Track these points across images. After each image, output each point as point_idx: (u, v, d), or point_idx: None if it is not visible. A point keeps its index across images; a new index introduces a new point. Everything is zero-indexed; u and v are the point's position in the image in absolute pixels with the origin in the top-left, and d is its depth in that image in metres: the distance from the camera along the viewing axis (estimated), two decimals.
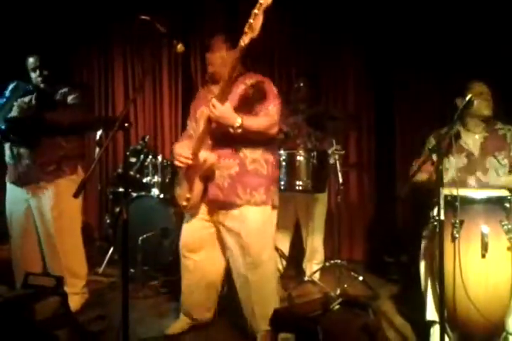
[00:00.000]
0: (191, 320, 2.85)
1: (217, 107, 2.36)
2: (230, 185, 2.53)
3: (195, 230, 2.72)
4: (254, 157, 2.56)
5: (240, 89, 2.55)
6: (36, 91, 3.03)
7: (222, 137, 2.49)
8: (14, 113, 2.96)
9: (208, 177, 2.54)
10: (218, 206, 2.60)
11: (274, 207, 2.65)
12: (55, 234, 3.04)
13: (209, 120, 2.46)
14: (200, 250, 2.73)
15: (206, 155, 2.48)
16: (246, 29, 2.24)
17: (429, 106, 4.40)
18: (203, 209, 2.67)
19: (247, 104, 2.52)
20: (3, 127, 2.93)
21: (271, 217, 2.64)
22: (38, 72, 3.05)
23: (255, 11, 2.20)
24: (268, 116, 2.52)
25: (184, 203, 2.63)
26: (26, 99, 3.02)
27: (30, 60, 3.06)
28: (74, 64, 5.30)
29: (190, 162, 2.55)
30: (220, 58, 2.61)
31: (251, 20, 2.21)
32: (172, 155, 2.74)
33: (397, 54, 4.49)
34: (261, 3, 2.19)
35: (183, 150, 2.59)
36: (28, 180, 3.04)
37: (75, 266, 3.14)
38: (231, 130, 2.40)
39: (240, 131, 2.39)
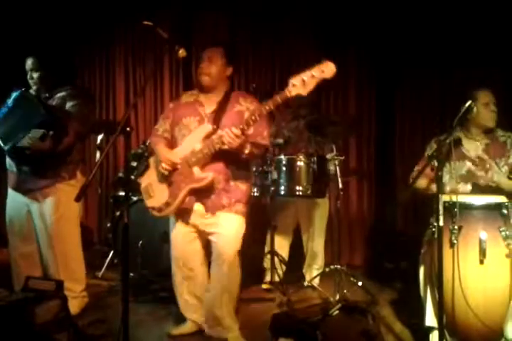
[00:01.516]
0: (197, 325, 2.87)
1: (240, 137, 2.45)
2: (216, 196, 2.67)
3: (183, 236, 2.79)
4: (237, 174, 2.70)
5: (236, 108, 2.67)
6: (51, 124, 2.86)
7: (219, 156, 2.60)
8: (25, 143, 2.82)
9: (198, 190, 2.63)
10: (202, 213, 2.70)
11: (245, 220, 2.77)
12: (54, 238, 3.04)
13: (214, 141, 2.53)
14: (193, 263, 2.82)
15: (205, 174, 2.59)
16: (296, 82, 2.33)
17: (429, 112, 4.42)
18: (188, 219, 2.74)
19: (243, 124, 2.58)
20: (5, 149, 2.89)
21: (243, 228, 2.76)
22: (29, 74, 3.05)
23: (313, 72, 2.31)
24: (265, 143, 2.71)
25: (162, 206, 2.70)
26: (39, 134, 2.81)
27: (27, 61, 3.06)
28: (75, 68, 5.31)
29: (177, 167, 2.64)
30: (217, 71, 2.69)
31: (305, 78, 2.31)
32: (148, 149, 2.80)
33: (398, 60, 4.52)
34: (322, 71, 2.30)
35: (170, 155, 2.67)
36: (27, 186, 3.04)
37: (73, 270, 3.14)
38: (238, 155, 2.58)
39: (245, 156, 2.61)
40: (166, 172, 2.68)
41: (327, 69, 2.31)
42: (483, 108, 2.75)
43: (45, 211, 3.04)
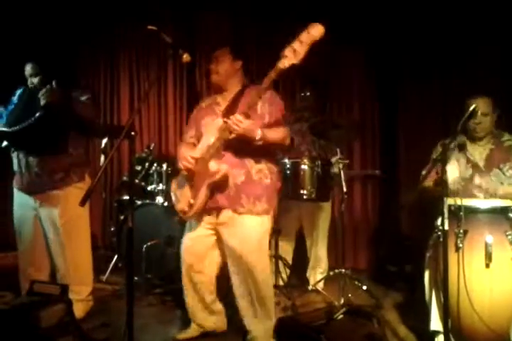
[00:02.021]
0: (202, 328, 2.86)
1: (244, 122, 2.43)
2: (234, 193, 2.59)
3: (199, 237, 2.73)
4: (260, 167, 2.64)
5: (248, 100, 2.59)
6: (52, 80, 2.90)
7: (231, 147, 2.55)
8: (43, 101, 2.80)
9: (217, 186, 2.57)
10: (221, 214, 2.64)
11: (272, 214, 2.73)
12: (63, 240, 3.06)
13: (224, 132, 2.51)
14: (204, 256, 2.76)
15: (217, 166, 2.52)
16: (287, 53, 2.31)
17: (433, 115, 4.41)
18: (206, 216, 2.69)
19: (257, 115, 2.60)
20: (39, 114, 2.83)
21: (269, 226, 2.71)
22: (29, 80, 3.06)
23: (301, 38, 2.28)
24: (283, 128, 2.63)
25: (186, 209, 2.65)
26: (48, 86, 2.83)
27: (26, 67, 3.08)
28: (79, 72, 5.34)
29: (193, 165, 2.60)
30: (225, 69, 2.69)
31: (295, 46, 2.29)
32: (178, 158, 2.77)
33: (402, 64, 4.51)
34: (309, 33, 2.27)
35: (188, 153, 2.65)
36: (36, 188, 3.05)
37: (82, 272, 3.15)
38: (252, 142, 2.48)
39: (260, 143, 2.48)
40: (185, 172, 2.66)
41: (314, 31, 2.28)
42: (483, 118, 2.76)
43: (54, 214, 3.05)
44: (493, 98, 2.83)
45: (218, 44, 2.77)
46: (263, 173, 2.64)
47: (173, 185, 2.79)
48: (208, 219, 2.70)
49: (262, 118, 2.62)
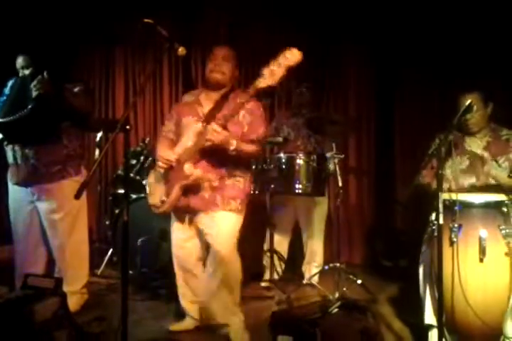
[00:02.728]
0: (196, 321, 2.90)
1: (221, 133, 2.49)
2: (209, 196, 2.67)
3: (181, 230, 2.82)
4: (233, 173, 2.72)
5: (231, 107, 2.63)
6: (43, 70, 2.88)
7: (208, 152, 2.61)
8: (35, 92, 2.78)
9: (190, 188, 2.65)
10: (197, 211, 2.73)
11: (242, 216, 2.79)
12: (60, 234, 3.06)
13: (202, 138, 2.55)
14: (190, 263, 2.85)
15: (193, 170, 2.59)
16: (265, 72, 2.38)
17: (429, 110, 4.43)
18: (186, 218, 2.79)
19: (236, 123, 2.66)
20: (31, 106, 2.81)
21: (239, 225, 2.78)
22: (20, 72, 3.05)
23: (281, 61, 2.35)
24: (258, 143, 2.72)
25: (158, 204, 2.73)
26: (39, 77, 2.80)
27: (18, 59, 3.06)
28: (75, 66, 5.30)
29: (172, 164, 2.66)
30: (231, 70, 2.73)
31: (273, 68, 2.36)
32: (156, 157, 2.82)
33: (399, 59, 4.52)
34: (287, 58, 2.34)
35: (165, 153, 2.71)
36: (33, 181, 3.03)
37: (78, 265, 3.17)
38: (225, 151, 2.55)
39: (233, 153, 2.56)
40: (162, 170, 2.73)
41: (291, 56, 2.34)
42: (474, 115, 2.77)
43: (52, 208, 3.05)
44: (483, 93, 2.83)
45: (215, 38, 2.78)
46: (236, 178, 2.73)
47: (150, 178, 2.86)
48: (182, 215, 2.79)
49: (241, 127, 2.67)
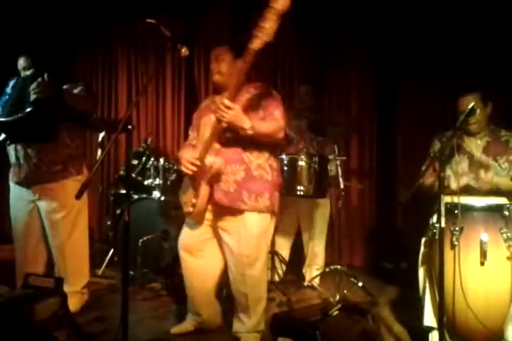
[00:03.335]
0: (200, 319, 2.85)
1: (232, 108, 2.38)
2: (235, 190, 2.54)
3: (195, 234, 2.72)
4: (260, 163, 2.60)
5: (244, 97, 2.58)
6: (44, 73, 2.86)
7: (229, 142, 2.52)
8: (33, 96, 2.76)
9: (216, 180, 2.55)
10: (222, 211, 2.61)
11: (274, 213, 2.69)
12: (61, 234, 3.06)
13: (216, 125, 2.48)
14: (199, 253, 2.74)
15: (213, 160, 2.50)
16: (256, 32, 2.24)
17: (431, 112, 4.42)
18: (207, 215, 2.68)
19: (253, 111, 2.57)
20: (28, 110, 2.80)
21: (271, 224, 2.69)
22: (22, 73, 3.05)
23: (266, 14, 2.21)
24: (275, 121, 2.56)
25: (190, 209, 2.62)
26: (39, 79, 2.79)
27: (19, 61, 3.07)
28: (77, 66, 5.31)
29: (195, 168, 2.56)
30: (227, 68, 2.64)
31: (262, 24, 2.22)
32: (178, 162, 2.75)
33: (400, 61, 4.51)
34: (272, 7, 2.20)
35: (189, 156, 2.59)
36: (34, 180, 3.03)
37: (78, 265, 3.16)
38: (242, 132, 2.43)
39: (250, 132, 2.42)
40: (190, 173, 2.60)
41: (277, 4, 2.18)
42: (459, 116, 2.78)
43: (53, 207, 3.04)
44: (482, 93, 2.84)
45: (217, 39, 2.78)
46: (263, 169, 2.60)
47: (180, 192, 2.76)
48: (208, 217, 2.68)
49: (257, 113, 2.58)
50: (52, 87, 2.76)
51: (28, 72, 3.04)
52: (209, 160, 2.51)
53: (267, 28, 2.21)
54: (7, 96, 2.99)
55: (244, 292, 2.64)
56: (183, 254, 2.77)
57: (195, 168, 2.55)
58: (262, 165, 2.60)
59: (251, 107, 2.56)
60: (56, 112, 2.90)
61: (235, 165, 2.55)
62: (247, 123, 2.41)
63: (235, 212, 2.57)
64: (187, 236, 2.76)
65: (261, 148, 2.59)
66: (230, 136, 2.50)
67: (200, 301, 2.83)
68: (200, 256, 2.74)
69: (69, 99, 2.88)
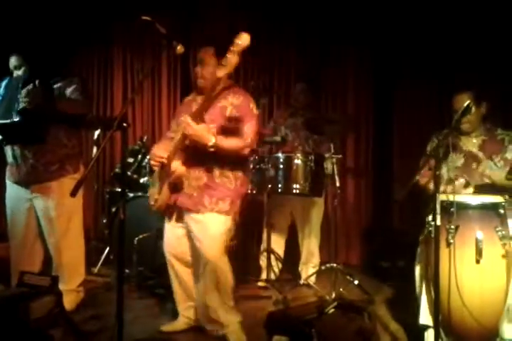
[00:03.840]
0: (190, 321, 2.87)
1: (192, 126, 2.45)
2: (198, 194, 2.64)
3: (173, 234, 2.80)
4: (223, 172, 2.66)
5: (221, 103, 2.63)
6: (38, 80, 2.86)
7: (195, 150, 2.57)
8: (22, 104, 2.80)
9: (175, 185, 2.64)
10: (186, 211, 2.70)
11: (234, 220, 2.74)
12: (57, 232, 3.06)
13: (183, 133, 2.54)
14: (184, 255, 2.81)
15: (176, 166, 2.57)
16: (223, 62, 2.37)
17: (427, 110, 4.43)
18: (175, 215, 2.77)
19: (224, 120, 2.63)
20: (16, 120, 2.83)
21: (230, 227, 2.73)
22: (14, 72, 3.04)
23: (233, 48, 2.34)
24: (243, 139, 2.62)
25: (152, 203, 2.79)
26: (30, 87, 2.82)
27: (10, 59, 3.05)
28: (73, 63, 5.29)
29: (164, 161, 2.65)
30: (210, 73, 2.65)
31: (229, 56, 2.35)
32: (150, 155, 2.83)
33: (397, 59, 4.52)
34: (237, 43, 2.32)
35: (158, 151, 2.70)
36: (32, 180, 3.03)
37: (74, 263, 3.16)
38: (205, 148, 2.49)
39: (212, 149, 2.50)
40: (155, 168, 2.74)
41: (242, 40, 2.34)
42: (454, 114, 2.78)
43: (49, 205, 3.04)
44: (476, 92, 2.83)
45: (213, 36, 2.79)
46: (227, 178, 2.67)
47: (151, 179, 2.92)
48: (173, 213, 2.78)
49: (229, 122, 2.62)
50: (42, 97, 2.78)
51: (20, 72, 3.03)
52: (174, 165, 2.58)
53: (231, 61, 2.36)
54: (0, 97, 2.97)
55: (214, 289, 2.68)
56: (169, 258, 2.83)
57: (163, 161, 2.65)
58: (225, 174, 2.67)
59: (222, 116, 2.61)
60: (47, 118, 2.91)
61: (199, 172, 2.63)
62: (210, 141, 2.47)
63: (196, 212, 2.65)
64: (168, 241, 2.84)
65: (226, 158, 2.63)
66: (192, 143, 2.55)
67: (189, 301, 2.85)
68: (186, 257, 2.80)
69: (61, 105, 2.88)
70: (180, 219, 2.76)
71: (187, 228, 2.74)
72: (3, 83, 3.04)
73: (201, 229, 2.64)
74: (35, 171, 3.00)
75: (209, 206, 2.63)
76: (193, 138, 2.49)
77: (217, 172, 2.65)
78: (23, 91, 2.77)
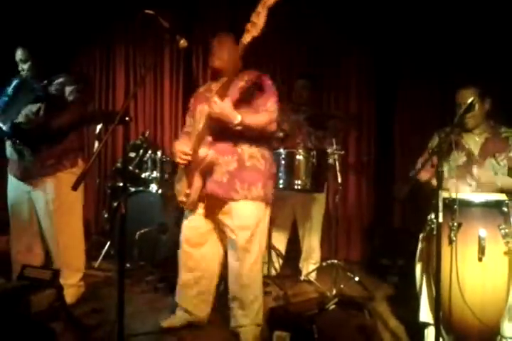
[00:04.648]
0: (190, 315, 2.84)
1: (218, 103, 2.40)
2: (228, 180, 2.57)
3: (196, 226, 2.74)
4: (252, 153, 2.60)
5: (239, 85, 2.58)
6: (46, 99, 2.94)
7: (221, 134, 2.53)
8: (21, 119, 2.88)
9: (209, 172, 2.57)
10: (216, 200, 2.63)
11: (268, 203, 2.70)
12: (55, 225, 3.05)
13: (209, 117, 2.50)
14: (202, 245, 2.76)
15: (206, 152, 2.52)
16: (248, 27, 2.30)
17: (429, 107, 4.42)
18: (202, 205, 2.70)
19: (246, 99, 2.57)
20: (5, 129, 2.88)
21: (265, 213, 2.69)
22: (20, 65, 3.03)
23: (258, 9, 2.26)
24: (267, 113, 2.57)
25: (184, 199, 2.67)
26: (34, 108, 2.91)
27: (16, 52, 3.04)
28: (75, 56, 5.28)
29: (189, 158, 2.61)
30: (228, 54, 2.63)
31: (254, 19, 2.27)
32: (172, 153, 2.76)
33: (400, 55, 4.50)
34: (264, 2, 2.25)
35: (182, 147, 2.64)
36: (29, 175, 3.04)
37: (73, 258, 3.15)
38: (231, 126, 2.44)
39: (239, 127, 2.44)
40: (182, 166, 2.67)
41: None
42: (457, 109, 2.75)
43: (47, 199, 3.04)
44: (481, 88, 2.79)
45: (215, 31, 2.78)
46: (256, 159, 2.60)
47: (175, 181, 2.80)
48: (203, 207, 2.70)
49: (249, 103, 2.58)
50: (41, 124, 2.88)
51: (25, 66, 3.02)
52: (202, 152, 2.52)
53: (258, 23, 2.28)
54: (6, 97, 2.95)
55: (241, 284, 2.65)
56: (184, 246, 2.78)
57: (189, 158, 2.60)
58: (254, 155, 2.60)
59: (243, 97, 2.56)
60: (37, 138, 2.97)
61: (228, 156, 2.57)
62: (236, 119, 2.41)
63: (229, 201, 2.59)
64: (189, 230, 2.77)
65: (253, 138, 2.58)
66: (222, 128, 2.50)
67: (193, 296, 2.82)
68: (202, 248, 2.77)
69: (58, 122, 2.93)
70: (206, 210, 2.68)
71: (212, 220, 2.69)
72: (14, 83, 2.99)
73: (235, 219, 2.58)
74: (32, 166, 3.01)
75: (241, 192, 2.56)
76: (220, 116, 2.42)
77: (246, 154, 2.58)
78: (29, 109, 2.83)
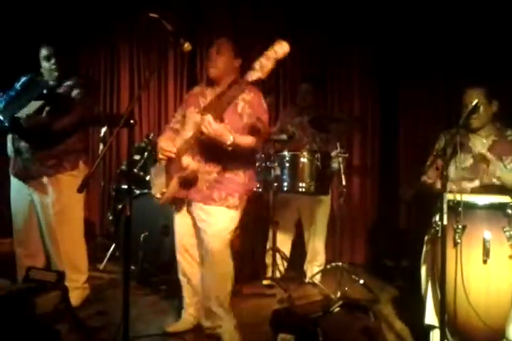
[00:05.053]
0: (194, 318, 2.85)
1: (212, 126, 2.42)
2: (207, 188, 2.64)
3: (187, 231, 2.78)
4: (234, 167, 2.66)
5: (233, 101, 2.59)
6: (49, 97, 2.94)
7: (209, 145, 2.56)
8: (22, 114, 2.88)
9: (187, 180, 2.62)
10: (192, 204, 2.71)
11: (240, 212, 2.75)
12: (56, 228, 3.05)
13: (200, 131, 2.50)
14: (194, 249, 2.80)
15: (189, 162, 2.56)
16: (256, 66, 2.33)
17: (433, 109, 4.40)
18: (185, 206, 2.76)
19: (236, 116, 2.62)
20: (5, 123, 2.91)
21: (236, 221, 2.74)
22: (51, 61, 3.04)
23: (269, 53, 2.30)
24: (258, 135, 2.62)
25: (158, 196, 2.75)
26: (37, 104, 2.90)
27: (42, 50, 3.06)
28: (80, 59, 5.30)
29: (172, 155, 2.64)
30: (225, 63, 2.67)
31: (262, 61, 2.31)
32: (155, 147, 2.82)
33: (403, 57, 4.49)
34: (274, 49, 2.30)
35: (166, 144, 2.68)
36: (28, 174, 3.05)
37: (76, 261, 3.15)
38: (222, 146, 2.48)
39: (230, 148, 2.48)
40: (163, 162, 2.73)
41: (280, 49, 2.30)
42: (463, 109, 2.74)
43: (47, 201, 3.04)
44: (488, 89, 2.78)
45: (220, 34, 2.80)
46: (236, 173, 2.67)
47: (153, 170, 2.88)
48: (182, 207, 2.77)
49: (241, 118, 2.62)
50: (40, 125, 2.89)
51: (47, 64, 3.04)
52: (185, 161, 2.56)
53: (265, 67, 2.32)
54: (13, 93, 2.99)
55: (209, 283, 2.70)
56: (179, 250, 2.82)
57: (171, 155, 2.64)
58: (236, 169, 2.67)
59: (235, 112, 2.60)
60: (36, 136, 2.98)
61: (209, 167, 2.63)
62: (229, 140, 2.45)
63: (204, 206, 2.65)
64: (179, 231, 2.82)
65: (239, 154, 2.62)
66: (207, 140, 2.52)
67: (194, 297, 2.84)
68: (193, 249, 2.79)
69: (59, 125, 2.95)
70: (189, 209, 2.74)
71: (194, 218, 2.73)
72: (23, 79, 3.04)
73: (209, 222, 2.64)
74: (31, 166, 3.02)
75: (218, 201, 2.63)
76: (213, 136, 2.45)
77: (228, 167, 2.64)
78: (32, 105, 2.83)
